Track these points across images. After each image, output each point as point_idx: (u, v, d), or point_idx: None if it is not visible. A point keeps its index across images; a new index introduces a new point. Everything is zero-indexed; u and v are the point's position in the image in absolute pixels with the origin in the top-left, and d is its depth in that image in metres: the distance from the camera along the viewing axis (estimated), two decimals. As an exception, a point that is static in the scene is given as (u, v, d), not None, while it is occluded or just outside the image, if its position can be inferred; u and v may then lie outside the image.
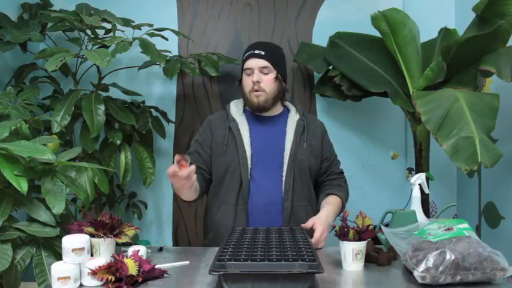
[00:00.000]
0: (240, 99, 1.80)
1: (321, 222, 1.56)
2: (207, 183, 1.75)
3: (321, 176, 1.79)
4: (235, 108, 1.77)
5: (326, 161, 1.78)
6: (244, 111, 1.77)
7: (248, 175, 1.64)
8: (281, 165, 1.66)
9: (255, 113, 1.75)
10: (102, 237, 1.27)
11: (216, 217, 1.69)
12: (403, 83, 2.22)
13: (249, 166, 1.65)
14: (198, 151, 1.73)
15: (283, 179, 1.65)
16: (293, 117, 1.75)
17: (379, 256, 1.35)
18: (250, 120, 1.74)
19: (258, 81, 1.66)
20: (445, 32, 2.26)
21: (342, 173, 1.84)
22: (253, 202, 1.64)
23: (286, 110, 1.79)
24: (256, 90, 1.67)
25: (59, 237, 1.30)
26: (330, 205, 1.68)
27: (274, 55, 1.70)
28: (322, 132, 1.80)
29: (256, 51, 1.68)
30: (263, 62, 1.67)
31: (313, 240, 1.49)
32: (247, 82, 1.69)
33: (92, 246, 1.26)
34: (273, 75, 1.68)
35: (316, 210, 1.74)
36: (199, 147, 1.74)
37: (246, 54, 1.71)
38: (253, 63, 1.67)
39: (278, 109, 1.77)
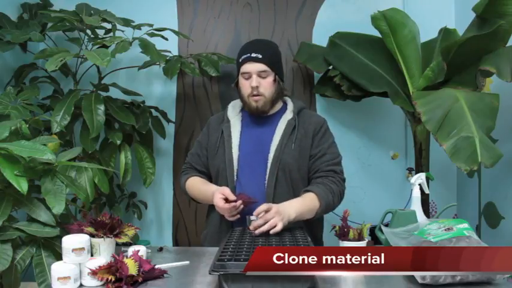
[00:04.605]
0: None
1: (275, 207, 1.40)
2: None
3: (309, 175, 1.65)
4: (232, 109, 1.75)
5: (312, 158, 1.64)
6: (242, 111, 1.75)
7: (234, 177, 1.61)
8: (266, 168, 1.60)
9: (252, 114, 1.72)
10: (102, 237, 1.27)
11: (209, 216, 1.71)
12: (403, 83, 2.22)
13: (235, 168, 1.61)
14: (198, 153, 1.76)
15: (266, 182, 1.59)
16: (286, 117, 1.68)
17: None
18: (244, 121, 1.71)
19: (256, 86, 1.61)
20: (445, 32, 2.26)
21: (333, 171, 1.61)
22: None
23: (284, 108, 1.73)
24: (255, 95, 1.62)
25: (59, 237, 1.30)
26: (297, 199, 1.52)
27: (271, 56, 1.64)
28: (315, 130, 1.66)
29: (253, 55, 1.60)
30: (261, 66, 1.60)
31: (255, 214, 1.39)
32: (245, 86, 1.63)
33: (92, 246, 1.26)
34: (271, 77, 1.63)
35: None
36: (199, 149, 1.76)
37: (243, 58, 1.63)
38: (251, 67, 1.61)
39: (277, 107, 1.72)
